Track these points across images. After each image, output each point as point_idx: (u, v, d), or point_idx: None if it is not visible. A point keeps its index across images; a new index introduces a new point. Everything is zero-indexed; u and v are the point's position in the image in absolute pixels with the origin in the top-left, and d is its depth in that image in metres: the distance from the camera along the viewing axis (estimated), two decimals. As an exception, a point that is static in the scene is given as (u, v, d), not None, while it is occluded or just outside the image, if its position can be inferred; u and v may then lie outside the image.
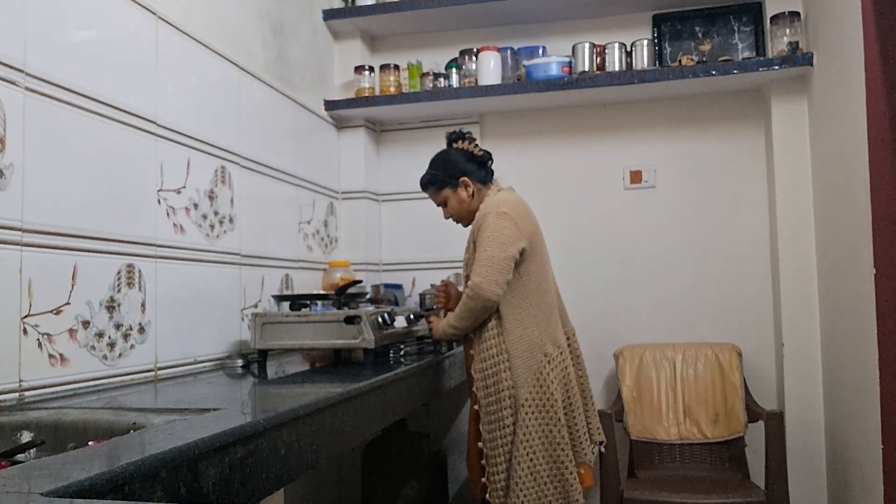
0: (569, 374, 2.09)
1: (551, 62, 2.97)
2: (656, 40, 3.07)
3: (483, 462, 2.07)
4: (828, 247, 2.66)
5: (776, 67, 2.74)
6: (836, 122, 2.49)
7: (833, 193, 2.57)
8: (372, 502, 2.87)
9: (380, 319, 2.19)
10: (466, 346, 2.17)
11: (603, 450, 2.39)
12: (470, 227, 2.18)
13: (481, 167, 2.21)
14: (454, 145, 2.23)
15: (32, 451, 1.19)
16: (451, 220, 2.27)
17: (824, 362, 2.75)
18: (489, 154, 2.24)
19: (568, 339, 2.21)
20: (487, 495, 2.05)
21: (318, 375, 1.99)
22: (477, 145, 2.22)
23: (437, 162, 2.25)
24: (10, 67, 1.44)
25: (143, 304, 1.84)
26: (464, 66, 3.10)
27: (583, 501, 2.01)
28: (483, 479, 2.06)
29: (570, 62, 2.97)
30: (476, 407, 2.10)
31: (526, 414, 1.99)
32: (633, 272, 3.11)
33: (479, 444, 2.07)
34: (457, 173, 2.18)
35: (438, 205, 2.26)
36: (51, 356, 1.53)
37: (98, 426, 1.28)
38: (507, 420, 2.02)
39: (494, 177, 2.25)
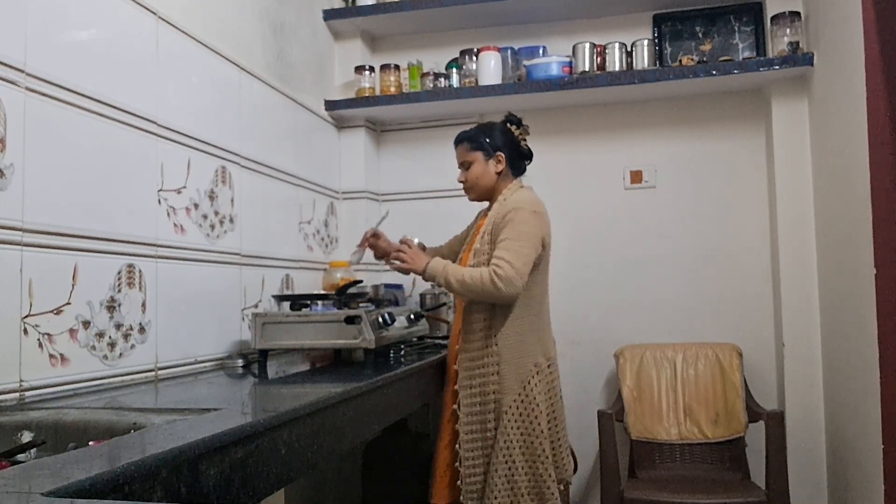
0: (555, 387, 2.07)
1: (551, 62, 2.97)
2: (657, 40, 3.07)
3: (457, 465, 2.03)
4: (828, 247, 2.66)
5: (776, 67, 2.74)
6: (837, 122, 2.49)
7: (833, 193, 2.57)
8: (372, 502, 2.87)
9: (380, 319, 2.19)
10: (453, 339, 2.14)
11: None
12: (477, 202, 2.19)
13: (518, 158, 2.18)
14: (507, 125, 2.18)
15: (33, 450, 1.18)
16: (461, 185, 2.20)
17: (825, 362, 2.75)
18: (531, 153, 2.21)
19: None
20: (461, 497, 2.00)
21: (318, 375, 1.99)
22: (525, 139, 2.19)
23: (485, 126, 2.20)
24: (10, 67, 1.44)
25: (143, 304, 1.84)
26: (464, 66, 3.10)
27: None
28: (459, 483, 2.02)
29: (570, 62, 2.97)
30: (455, 407, 2.06)
31: (508, 421, 1.96)
32: (634, 272, 3.11)
33: (456, 446, 2.04)
34: (497, 146, 2.14)
35: (460, 164, 2.19)
36: (51, 356, 1.53)
37: (98, 426, 1.28)
38: (489, 424, 1.99)
39: (522, 176, 2.24)
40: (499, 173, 2.14)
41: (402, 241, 2.16)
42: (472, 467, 2.00)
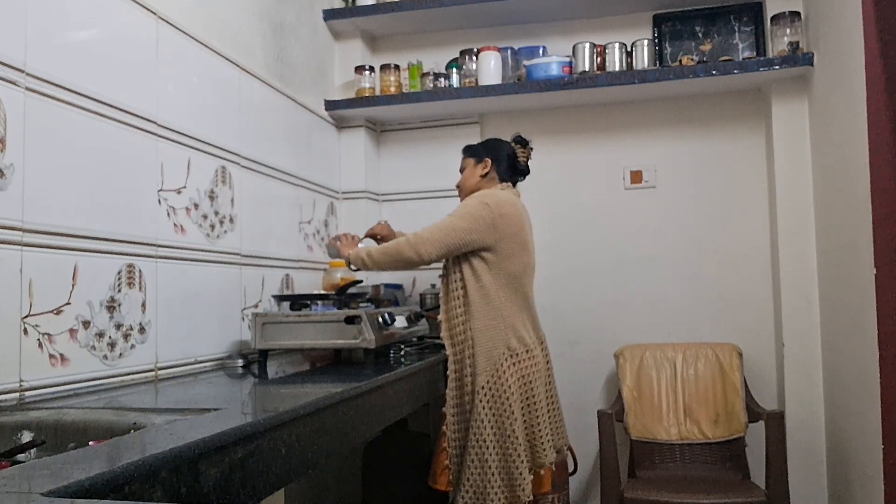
0: (531, 374, 2.12)
1: (552, 62, 2.97)
2: (657, 40, 3.07)
3: (444, 445, 2.14)
4: (828, 247, 2.66)
5: (777, 67, 2.74)
6: (836, 122, 2.49)
7: (833, 193, 2.57)
8: (372, 502, 2.87)
9: (380, 319, 2.20)
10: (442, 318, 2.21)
11: (567, 454, 2.44)
12: None
13: (512, 171, 2.31)
14: (511, 143, 2.33)
15: (33, 450, 1.19)
16: (456, 189, 2.38)
17: (824, 362, 2.75)
18: (527, 171, 2.34)
19: (542, 343, 2.26)
20: (450, 476, 2.12)
21: (318, 375, 1.99)
22: (527, 157, 2.33)
23: (487, 140, 2.39)
24: (10, 67, 1.44)
25: (143, 304, 1.84)
26: (464, 66, 3.10)
27: (529, 500, 2.03)
28: (447, 463, 2.13)
29: (570, 62, 2.97)
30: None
31: (480, 401, 2.05)
32: (634, 272, 3.11)
33: (444, 427, 2.15)
34: (489, 154, 2.29)
35: (459, 170, 2.38)
36: (51, 356, 1.53)
37: (98, 426, 1.28)
38: (467, 406, 2.10)
39: (513, 186, 2.32)
40: (483, 176, 2.28)
41: (344, 234, 2.39)
42: (454, 448, 2.11)
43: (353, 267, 2.26)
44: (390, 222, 3.33)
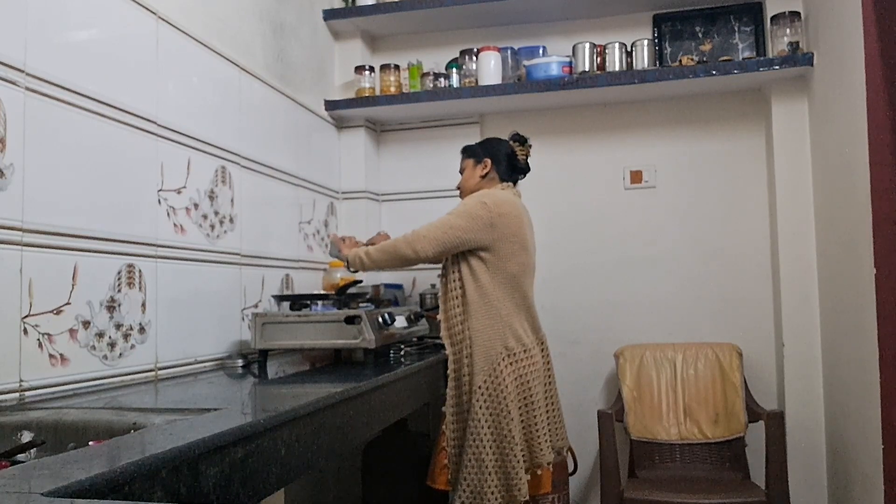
0: (528, 374, 2.13)
1: (551, 62, 2.97)
2: (657, 40, 3.07)
3: (444, 445, 2.15)
4: (828, 247, 2.66)
5: (776, 67, 2.74)
6: (836, 122, 2.49)
7: (833, 193, 2.57)
8: (372, 502, 2.87)
9: (380, 319, 2.20)
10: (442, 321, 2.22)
11: (567, 454, 2.45)
12: None
13: (512, 169, 2.32)
14: (509, 141, 2.34)
15: (33, 450, 1.19)
16: (457, 191, 2.40)
17: (824, 362, 2.75)
18: (528, 168, 2.35)
19: (542, 343, 2.27)
20: (449, 475, 2.13)
21: (318, 375, 1.99)
22: (526, 155, 2.33)
23: (485, 140, 2.40)
24: (10, 67, 1.44)
25: (143, 304, 1.84)
26: (464, 66, 3.10)
27: (526, 499, 2.04)
28: (446, 462, 2.14)
29: (570, 62, 2.97)
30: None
31: (477, 400, 2.06)
32: (634, 272, 3.11)
33: (443, 426, 2.16)
34: (487, 154, 2.30)
35: (459, 171, 2.40)
36: (51, 356, 1.53)
37: (98, 426, 1.29)
38: (465, 406, 2.11)
39: (514, 185, 2.34)
40: (483, 176, 2.30)
41: (349, 237, 2.40)
42: (453, 447, 2.12)
43: (351, 269, 2.27)
44: (390, 222, 3.35)
